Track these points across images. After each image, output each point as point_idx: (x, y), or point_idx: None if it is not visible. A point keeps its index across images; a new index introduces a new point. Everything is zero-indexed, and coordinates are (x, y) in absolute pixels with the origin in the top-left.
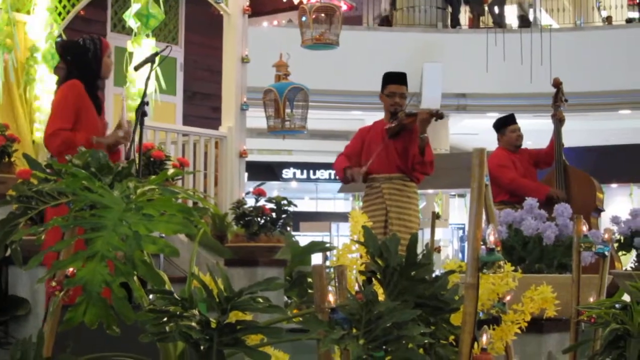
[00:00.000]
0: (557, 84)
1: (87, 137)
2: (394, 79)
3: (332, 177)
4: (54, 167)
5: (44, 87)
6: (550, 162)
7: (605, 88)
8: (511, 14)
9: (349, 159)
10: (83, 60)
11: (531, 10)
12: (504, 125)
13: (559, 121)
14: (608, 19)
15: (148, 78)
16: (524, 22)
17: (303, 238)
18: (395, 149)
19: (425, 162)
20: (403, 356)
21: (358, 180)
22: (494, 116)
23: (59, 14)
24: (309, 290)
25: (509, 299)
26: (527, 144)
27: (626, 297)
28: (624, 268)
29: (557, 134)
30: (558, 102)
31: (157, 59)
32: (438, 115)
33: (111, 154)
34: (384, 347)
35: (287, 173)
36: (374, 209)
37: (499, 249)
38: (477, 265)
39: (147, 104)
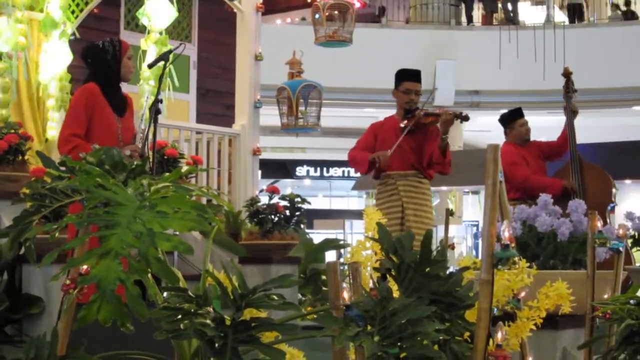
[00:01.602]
0: (567, 74)
1: None
2: (411, 76)
3: (346, 174)
4: (68, 165)
5: (57, 86)
6: (561, 154)
7: (618, 84)
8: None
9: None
10: (103, 62)
11: (545, 7)
12: (513, 119)
13: (572, 113)
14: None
15: (162, 76)
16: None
17: (317, 235)
18: (410, 147)
19: (446, 162)
20: (418, 353)
21: (384, 163)
22: None
23: (72, 12)
24: (323, 288)
25: (524, 295)
26: (545, 140)
27: None
28: (636, 264)
29: (570, 126)
30: (570, 93)
31: (170, 57)
32: (463, 117)
33: None
34: (398, 343)
35: (301, 171)
36: (389, 205)
37: (513, 245)
38: (491, 261)
39: (161, 101)
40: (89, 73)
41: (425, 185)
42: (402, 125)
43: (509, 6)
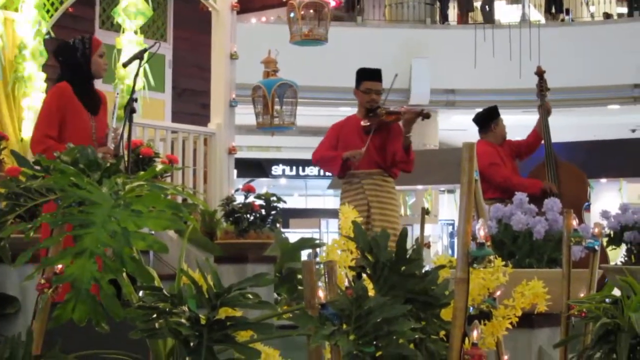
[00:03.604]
0: (540, 73)
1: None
2: (371, 76)
3: (322, 173)
4: (42, 164)
5: (32, 84)
6: (531, 152)
7: (594, 83)
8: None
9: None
10: (73, 60)
11: (520, 6)
12: (494, 118)
13: (547, 112)
14: (607, 15)
15: (136, 75)
16: None
17: (292, 235)
18: (374, 145)
19: (410, 161)
20: (393, 351)
21: (358, 161)
22: None
23: (47, 11)
24: (299, 287)
25: (500, 294)
26: (516, 139)
27: (616, 292)
28: (612, 263)
29: (545, 126)
30: (544, 92)
31: (145, 56)
32: (424, 115)
33: None
34: (374, 342)
35: (277, 170)
36: (355, 205)
37: (489, 243)
38: (467, 260)
39: (136, 100)
40: (60, 72)
41: (390, 184)
42: (363, 124)
43: (486, 7)
